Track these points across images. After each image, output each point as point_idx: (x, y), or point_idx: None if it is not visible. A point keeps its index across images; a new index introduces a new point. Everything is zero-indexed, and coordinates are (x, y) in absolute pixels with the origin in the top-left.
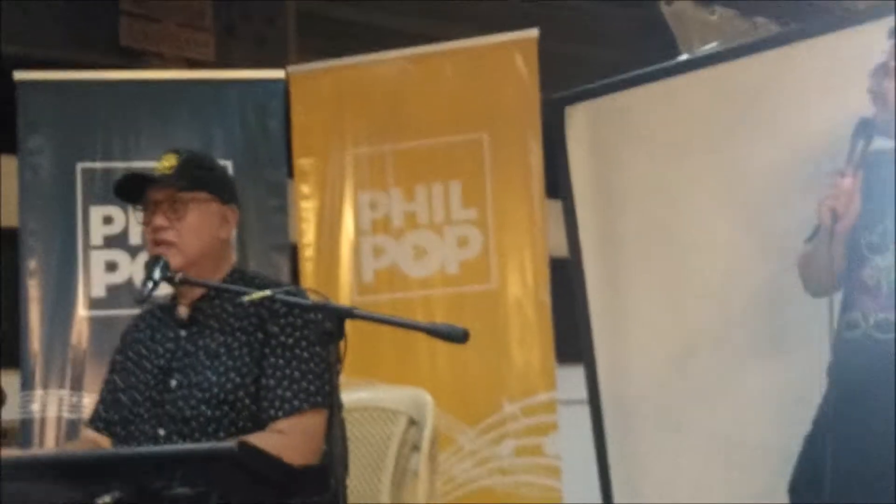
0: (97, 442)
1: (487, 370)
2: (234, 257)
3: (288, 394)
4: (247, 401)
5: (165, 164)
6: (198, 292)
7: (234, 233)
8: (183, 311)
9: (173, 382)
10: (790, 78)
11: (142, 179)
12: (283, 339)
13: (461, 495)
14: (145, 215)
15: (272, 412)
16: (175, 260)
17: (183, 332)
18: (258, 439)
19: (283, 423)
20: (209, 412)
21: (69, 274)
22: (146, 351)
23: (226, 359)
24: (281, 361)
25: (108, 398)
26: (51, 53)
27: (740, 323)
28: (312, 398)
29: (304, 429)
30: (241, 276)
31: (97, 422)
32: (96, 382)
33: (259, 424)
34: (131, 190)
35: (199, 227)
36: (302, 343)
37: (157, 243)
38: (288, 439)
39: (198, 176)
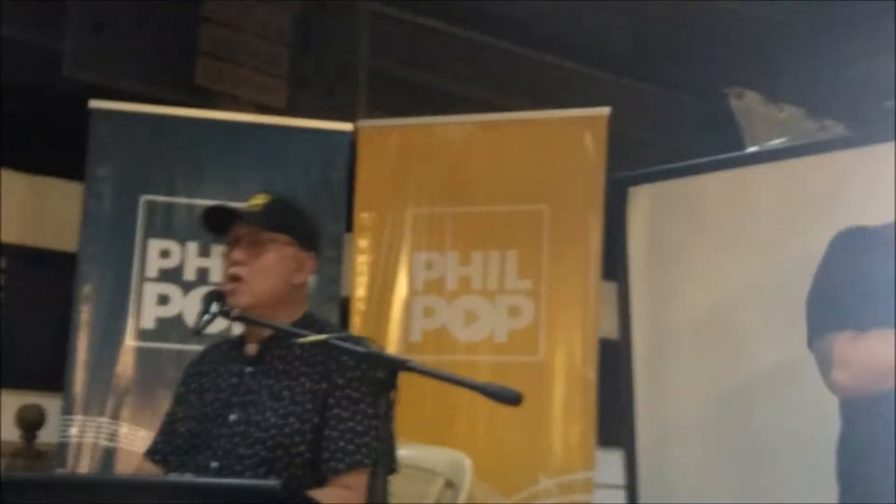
0: (152, 473)
1: (526, 442)
2: (307, 304)
3: (350, 447)
4: (302, 447)
5: (254, 202)
6: (267, 332)
7: (310, 280)
8: (251, 348)
9: (232, 417)
10: (857, 181)
11: (228, 213)
12: (348, 391)
13: None
14: (227, 249)
15: (333, 464)
16: (243, 298)
17: (248, 369)
18: (326, 494)
19: (349, 479)
20: (264, 453)
21: (121, 303)
22: (209, 384)
23: (288, 402)
24: (345, 414)
25: (167, 429)
26: (125, 85)
27: (790, 425)
28: (374, 454)
29: (366, 484)
30: (311, 322)
31: (154, 454)
32: (136, 413)
33: (311, 471)
34: (217, 222)
35: (274, 269)
36: (367, 398)
37: (231, 278)
38: (354, 495)
39: (281, 218)
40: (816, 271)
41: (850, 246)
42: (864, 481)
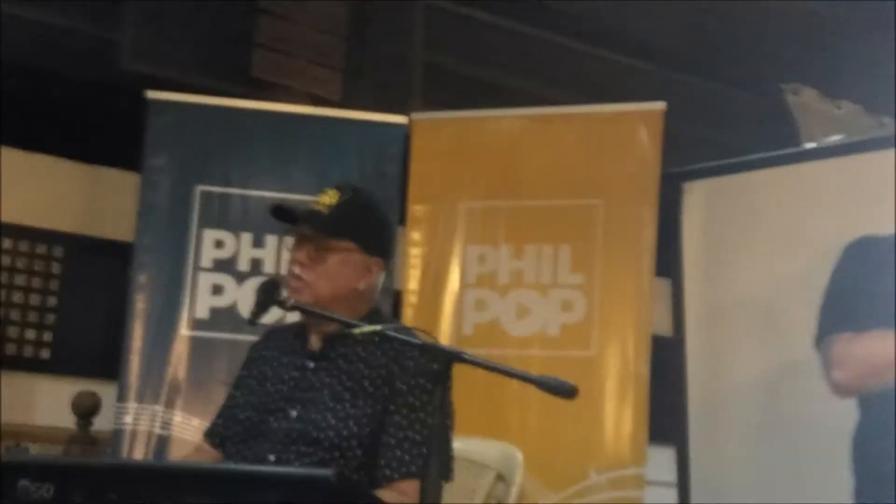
0: (211, 456)
1: (578, 437)
2: (371, 304)
3: (406, 457)
4: (359, 451)
5: (325, 200)
6: (331, 327)
7: (379, 282)
8: (315, 342)
9: (293, 413)
10: None
11: (293, 213)
12: (409, 399)
13: None
14: (294, 244)
15: (387, 472)
16: (304, 298)
17: (311, 364)
18: (382, 495)
19: (405, 485)
20: (321, 453)
21: (176, 292)
22: (271, 372)
23: (349, 405)
24: (404, 422)
25: (227, 413)
26: (181, 77)
27: (846, 423)
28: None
29: (418, 490)
30: (377, 320)
31: (213, 436)
32: (190, 402)
33: (365, 475)
34: (286, 217)
35: (336, 275)
36: (427, 407)
37: (293, 277)
38: (408, 501)
39: (347, 223)
40: (829, 278)
41: (859, 254)
42: (876, 471)
